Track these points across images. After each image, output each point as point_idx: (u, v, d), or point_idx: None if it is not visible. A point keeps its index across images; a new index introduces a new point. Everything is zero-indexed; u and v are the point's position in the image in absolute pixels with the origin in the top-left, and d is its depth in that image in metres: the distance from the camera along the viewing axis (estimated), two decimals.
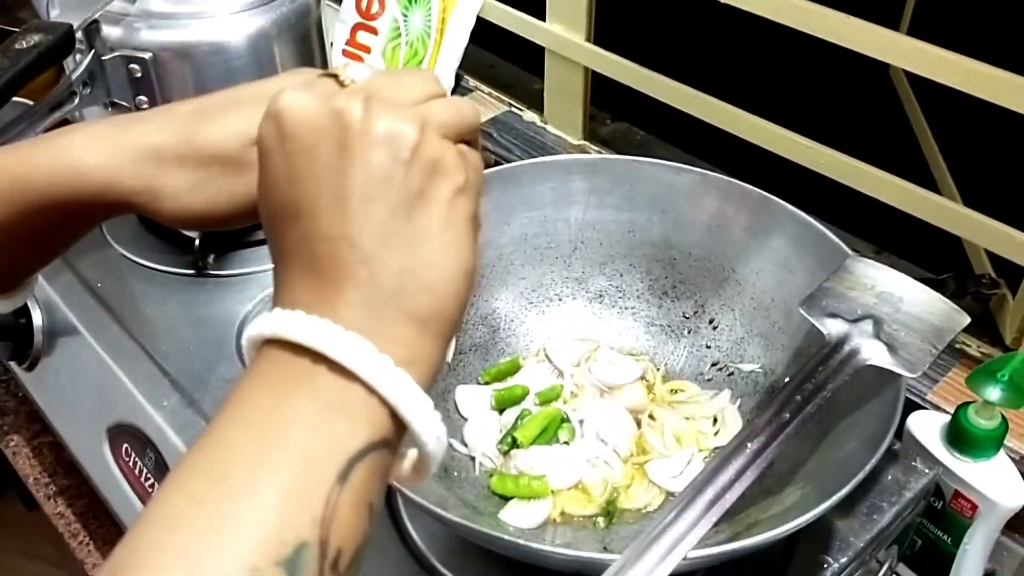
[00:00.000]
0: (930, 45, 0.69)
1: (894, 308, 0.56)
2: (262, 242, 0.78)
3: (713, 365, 0.65)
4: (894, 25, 1.07)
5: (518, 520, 0.55)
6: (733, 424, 0.61)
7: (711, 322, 0.66)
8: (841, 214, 0.91)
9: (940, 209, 0.74)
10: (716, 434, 0.61)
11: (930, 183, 0.98)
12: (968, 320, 0.57)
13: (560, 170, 0.67)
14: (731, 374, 0.64)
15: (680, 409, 0.62)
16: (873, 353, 0.54)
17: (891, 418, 0.50)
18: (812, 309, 0.56)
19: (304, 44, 0.73)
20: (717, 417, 0.61)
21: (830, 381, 0.52)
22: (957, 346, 0.77)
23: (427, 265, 0.33)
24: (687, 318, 0.67)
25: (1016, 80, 0.65)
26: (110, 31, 0.65)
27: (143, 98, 0.67)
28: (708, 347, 0.65)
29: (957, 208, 0.74)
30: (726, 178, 0.65)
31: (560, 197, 0.67)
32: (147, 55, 0.65)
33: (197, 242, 0.75)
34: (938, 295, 0.58)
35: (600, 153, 1.00)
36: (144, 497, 0.67)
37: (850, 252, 0.59)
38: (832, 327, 0.55)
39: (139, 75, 0.66)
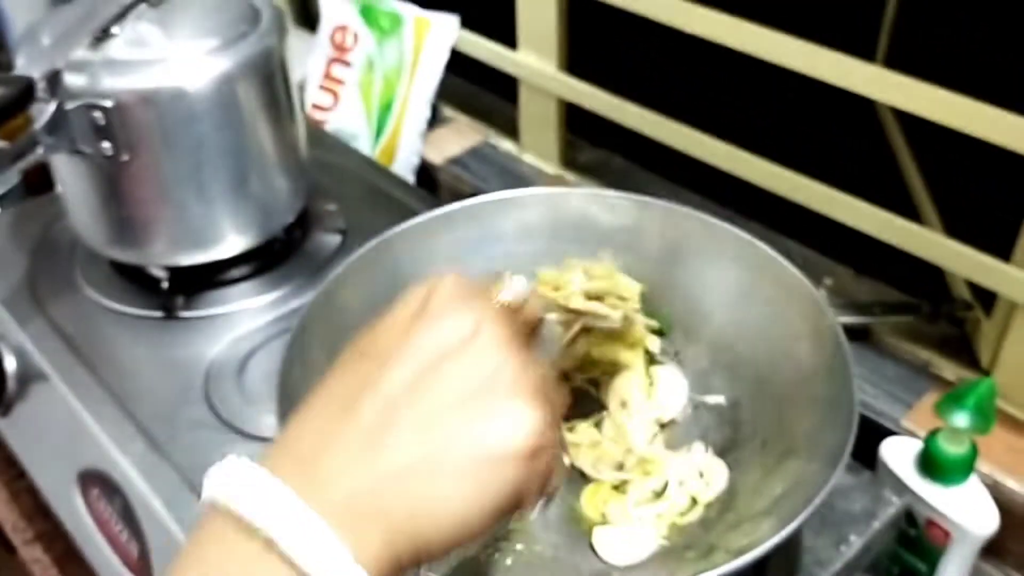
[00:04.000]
0: (905, 76, 0.69)
1: None
2: (231, 282, 0.79)
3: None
4: (869, 54, 1.07)
5: None
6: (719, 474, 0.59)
7: (676, 354, 0.65)
8: (819, 237, 0.91)
9: (918, 238, 0.74)
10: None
11: (912, 210, 0.98)
12: None
13: (520, 206, 0.67)
14: (696, 407, 0.63)
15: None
16: None
17: (843, 447, 0.50)
18: None
19: (268, 85, 0.73)
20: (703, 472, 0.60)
21: None
22: (932, 370, 0.77)
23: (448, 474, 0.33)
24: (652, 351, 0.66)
25: (991, 112, 0.65)
26: (73, 79, 0.66)
27: (107, 145, 0.67)
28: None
29: (936, 238, 0.74)
30: (688, 211, 0.65)
31: (521, 232, 0.67)
32: (109, 102, 0.66)
33: (165, 284, 0.75)
34: None
35: (577, 181, 1.00)
36: (115, 543, 0.67)
37: (806, 281, 0.59)
38: None
39: (102, 122, 0.66)
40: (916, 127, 0.70)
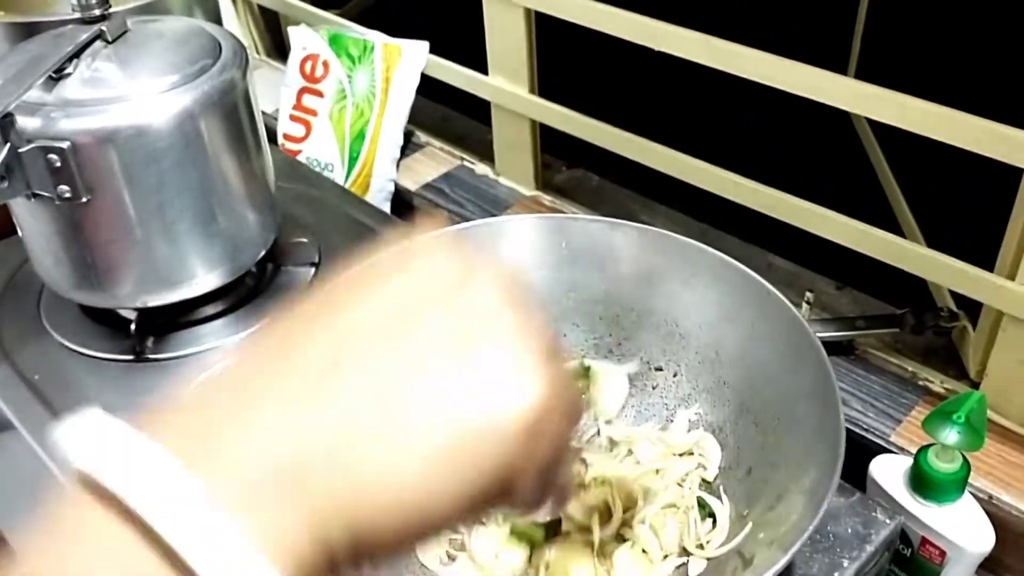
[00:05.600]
0: (876, 87, 0.68)
1: None
2: (202, 320, 0.77)
3: (660, 428, 0.63)
4: (842, 69, 1.07)
5: None
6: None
7: (658, 381, 0.64)
8: (801, 250, 0.90)
9: (901, 251, 0.73)
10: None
11: (893, 223, 0.97)
12: None
13: (490, 234, 0.65)
14: (680, 433, 0.62)
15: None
16: None
17: (831, 474, 0.48)
18: None
19: (232, 119, 0.72)
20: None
21: None
22: (920, 383, 0.76)
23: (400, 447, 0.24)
24: (634, 376, 0.65)
25: (960, 117, 0.63)
26: (26, 122, 0.64)
27: (64, 187, 0.65)
28: (654, 405, 0.63)
29: (919, 250, 0.73)
30: (662, 232, 0.64)
31: (496, 260, 0.65)
32: (65, 144, 0.64)
33: (133, 325, 0.73)
34: None
35: (554, 202, 0.98)
36: None
37: (786, 301, 0.57)
38: None
39: (58, 164, 0.64)
40: (893, 140, 0.69)
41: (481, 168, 1.04)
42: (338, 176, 1.03)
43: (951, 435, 0.61)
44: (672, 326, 0.63)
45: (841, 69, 0.88)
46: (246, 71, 0.73)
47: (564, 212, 0.97)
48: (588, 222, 0.65)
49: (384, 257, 0.29)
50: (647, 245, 0.64)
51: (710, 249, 0.61)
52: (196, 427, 0.24)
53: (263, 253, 0.78)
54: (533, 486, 0.27)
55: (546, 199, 0.99)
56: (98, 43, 0.69)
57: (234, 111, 0.72)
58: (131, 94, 0.67)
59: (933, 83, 0.74)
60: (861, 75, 0.72)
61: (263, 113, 1.10)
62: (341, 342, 0.25)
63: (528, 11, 0.87)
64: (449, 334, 0.26)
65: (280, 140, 1.06)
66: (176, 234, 0.71)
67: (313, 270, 0.83)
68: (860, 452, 0.71)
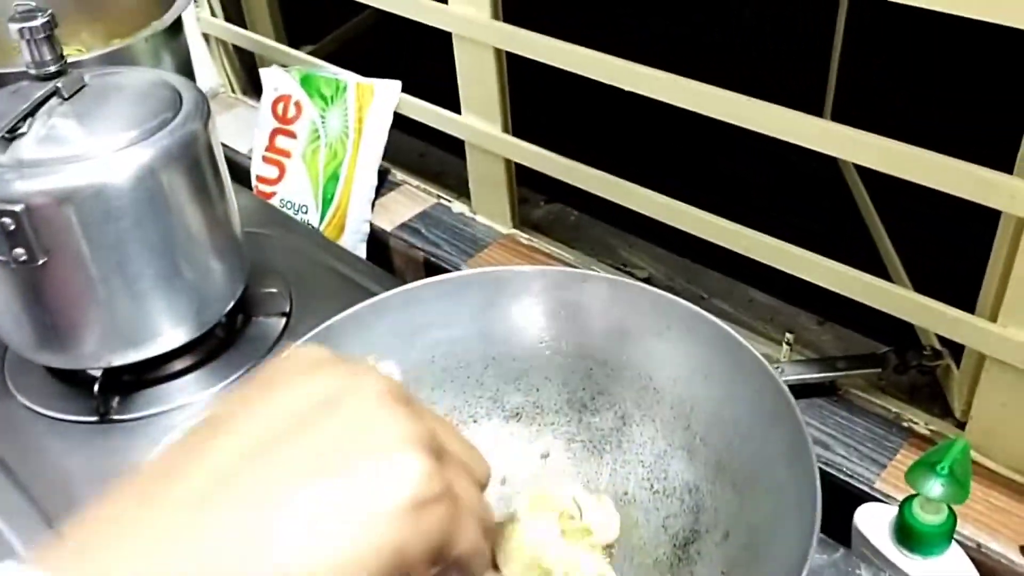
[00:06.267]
0: (851, 129, 0.66)
1: None
2: (170, 377, 0.75)
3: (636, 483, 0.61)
4: (817, 109, 1.06)
5: None
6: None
7: (633, 436, 0.62)
8: (783, 284, 0.88)
9: (885, 294, 0.71)
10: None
11: (878, 262, 0.96)
12: None
13: (461, 287, 0.64)
14: (656, 492, 0.60)
15: None
16: None
17: (808, 540, 0.46)
18: None
19: (194, 172, 0.70)
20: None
21: None
22: (905, 424, 0.74)
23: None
24: (608, 431, 0.63)
25: (939, 160, 0.62)
26: None
27: (20, 251, 0.64)
28: (629, 462, 0.61)
29: (901, 292, 0.71)
30: (636, 283, 0.62)
31: (465, 313, 0.64)
32: (19, 207, 0.62)
33: (97, 386, 0.71)
34: None
35: (530, 241, 0.97)
36: None
37: (760, 357, 0.55)
38: None
39: (12, 228, 0.63)
40: (878, 179, 0.68)
41: (458, 206, 1.02)
42: (313, 218, 1.01)
43: (935, 488, 0.59)
44: (646, 380, 0.62)
45: (816, 110, 0.87)
46: (208, 122, 0.72)
47: (541, 251, 0.95)
48: (557, 273, 0.63)
49: (264, 374, 0.31)
50: (620, 297, 0.62)
51: (683, 302, 0.60)
52: (77, 559, 0.27)
53: (231, 305, 0.77)
54: (429, 560, 0.29)
55: (523, 237, 0.97)
56: (54, 100, 0.67)
57: (196, 164, 0.70)
58: (88, 152, 0.65)
59: (911, 124, 0.73)
60: (837, 116, 0.71)
61: (238, 153, 1.09)
62: (211, 474, 0.28)
63: (499, 51, 0.85)
64: (319, 449, 0.28)
65: (253, 182, 1.05)
66: (139, 291, 0.69)
67: (284, 320, 0.81)
68: (845, 499, 0.69)
